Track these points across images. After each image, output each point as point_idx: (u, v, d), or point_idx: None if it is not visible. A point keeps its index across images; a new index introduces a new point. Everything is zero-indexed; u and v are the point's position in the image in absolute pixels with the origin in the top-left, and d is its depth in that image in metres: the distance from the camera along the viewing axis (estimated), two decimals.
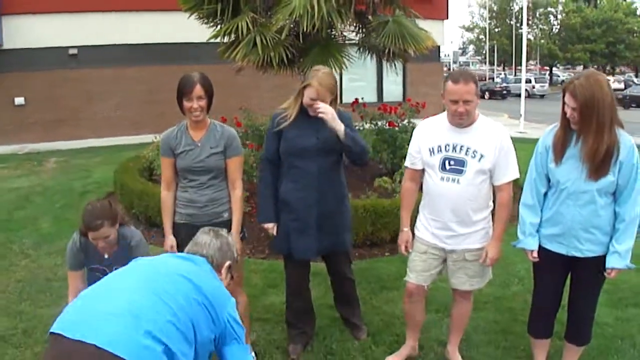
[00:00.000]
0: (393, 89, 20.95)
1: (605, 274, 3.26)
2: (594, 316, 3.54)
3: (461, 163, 3.43)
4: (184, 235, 3.67)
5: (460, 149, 3.43)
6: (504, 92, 42.19)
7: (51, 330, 2.17)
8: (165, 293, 2.26)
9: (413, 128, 8.76)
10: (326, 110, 3.59)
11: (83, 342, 2.06)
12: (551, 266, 3.44)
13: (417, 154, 3.60)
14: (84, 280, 3.61)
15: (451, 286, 3.75)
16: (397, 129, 8.69)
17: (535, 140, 3.53)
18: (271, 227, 3.89)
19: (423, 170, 3.63)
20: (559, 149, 3.25)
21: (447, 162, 3.46)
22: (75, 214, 7.03)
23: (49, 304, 4.94)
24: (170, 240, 3.76)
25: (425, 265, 3.66)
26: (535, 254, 3.44)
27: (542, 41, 60.76)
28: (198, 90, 3.55)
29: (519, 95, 21.90)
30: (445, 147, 3.46)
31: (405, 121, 8.87)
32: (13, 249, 6.53)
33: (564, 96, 3.17)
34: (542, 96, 41.63)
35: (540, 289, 3.59)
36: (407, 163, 3.70)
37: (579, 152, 3.18)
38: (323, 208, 3.77)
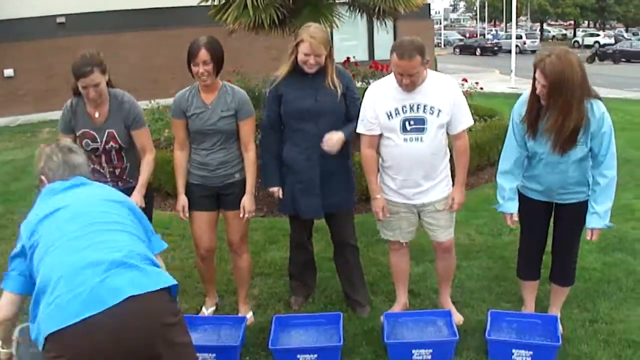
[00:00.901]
0: (384, 47, 20.75)
1: (586, 236, 3.44)
2: (576, 258, 3.71)
3: (421, 121, 3.52)
4: (197, 195, 3.83)
5: (418, 107, 3.51)
6: (495, 48, 42.04)
7: (61, 327, 2.06)
8: (117, 223, 2.43)
9: None
10: (332, 145, 3.69)
11: (116, 305, 2.07)
12: (535, 213, 3.62)
13: (374, 119, 3.61)
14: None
15: (432, 239, 3.88)
16: None
17: None
18: (276, 190, 3.94)
19: (380, 135, 3.67)
20: (531, 125, 3.36)
21: (407, 122, 3.54)
22: None
23: None
24: (183, 199, 3.85)
25: (400, 224, 3.80)
26: (515, 217, 3.60)
27: None
28: (203, 54, 3.57)
29: (510, 52, 21.85)
30: (403, 108, 3.52)
31: None
32: (14, 219, 6.59)
33: (534, 72, 3.24)
34: (533, 52, 41.44)
35: (526, 234, 3.76)
36: (362, 130, 3.69)
37: (545, 128, 3.31)
38: (325, 167, 3.80)
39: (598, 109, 3.25)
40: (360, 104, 3.72)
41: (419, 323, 3.77)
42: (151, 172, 3.80)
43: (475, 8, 66.82)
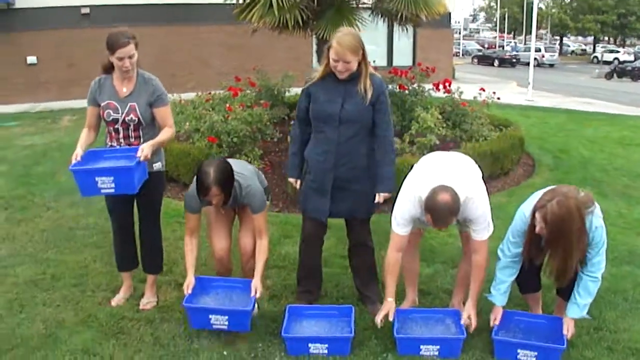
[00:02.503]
0: (403, 54, 20.97)
1: (563, 329, 3.56)
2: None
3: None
4: None
5: None
6: (514, 60, 41.99)
7: None
8: None
9: (423, 92, 8.93)
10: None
11: None
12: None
13: (410, 223, 3.71)
14: (97, 117, 3.96)
15: (458, 228, 4.02)
16: (407, 92, 8.85)
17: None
18: (293, 181, 4.16)
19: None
20: (529, 260, 3.61)
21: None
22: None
23: (74, 251, 5.22)
24: (190, 279, 3.92)
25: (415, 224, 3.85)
26: (499, 310, 3.75)
27: (554, 10, 60.20)
28: (215, 191, 3.59)
29: (528, 64, 21.84)
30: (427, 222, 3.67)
31: (415, 85, 9.02)
32: (35, 201, 6.79)
33: (533, 216, 3.38)
34: (551, 65, 41.45)
35: (526, 258, 3.75)
36: (396, 229, 3.74)
37: (546, 266, 3.55)
38: (340, 174, 3.87)
39: (591, 224, 3.38)
40: (388, 112, 3.87)
41: (428, 320, 3.88)
42: (168, 140, 4.01)
43: (495, 19, 66.68)
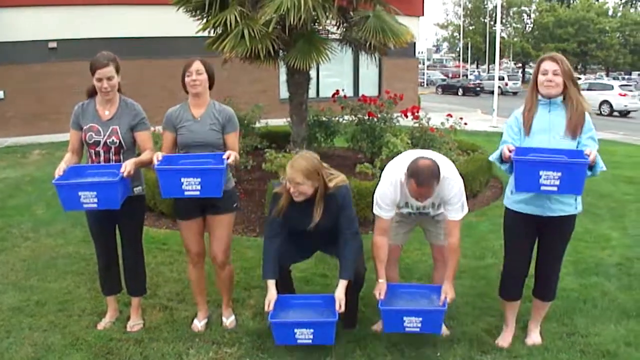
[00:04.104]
0: (369, 84, 21.37)
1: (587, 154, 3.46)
2: (559, 274, 3.99)
3: (426, 214, 4.08)
4: (183, 205, 4.10)
5: (424, 207, 4.00)
6: (477, 88, 42.82)
7: None
8: None
9: (391, 119, 9.19)
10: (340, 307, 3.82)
11: None
12: (522, 229, 3.84)
13: (390, 206, 3.94)
14: (80, 141, 4.04)
15: (431, 242, 4.27)
16: (375, 119, 9.10)
17: None
18: (271, 283, 3.93)
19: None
20: (528, 120, 3.72)
21: (413, 215, 4.11)
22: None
23: (56, 278, 5.24)
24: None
25: (398, 229, 4.18)
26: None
27: (516, 39, 61.82)
28: (197, 65, 3.99)
29: (491, 92, 22.43)
30: (412, 206, 4.01)
31: (384, 112, 9.27)
32: (13, 232, 6.78)
33: (539, 66, 3.70)
34: (514, 93, 42.33)
35: (510, 254, 3.99)
36: (378, 212, 3.97)
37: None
38: (325, 250, 4.22)
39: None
40: (352, 211, 3.98)
41: (414, 295, 4.04)
42: (149, 161, 3.99)
43: (458, 49, 68.15)
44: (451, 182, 3.83)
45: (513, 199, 3.85)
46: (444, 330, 4.12)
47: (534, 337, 4.03)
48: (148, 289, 4.54)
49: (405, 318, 3.76)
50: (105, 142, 3.97)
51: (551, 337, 4.03)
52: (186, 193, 3.71)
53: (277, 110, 14.25)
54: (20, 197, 8.68)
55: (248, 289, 4.91)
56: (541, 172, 3.38)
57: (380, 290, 3.93)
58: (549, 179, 3.37)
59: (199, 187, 3.69)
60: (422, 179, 3.60)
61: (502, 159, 3.67)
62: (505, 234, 4.00)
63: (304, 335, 3.70)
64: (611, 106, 26.96)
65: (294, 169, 3.74)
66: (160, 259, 5.68)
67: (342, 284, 3.84)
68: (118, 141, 3.98)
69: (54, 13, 16.63)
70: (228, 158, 3.81)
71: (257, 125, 10.12)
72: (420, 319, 3.75)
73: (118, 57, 4.03)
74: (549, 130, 3.65)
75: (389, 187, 3.89)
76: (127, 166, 3.75)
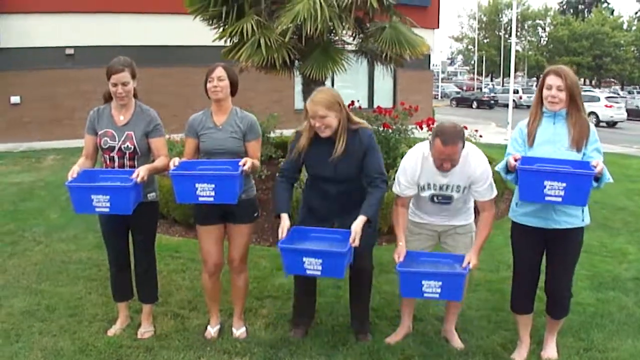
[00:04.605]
0: (384, 96, 21.35)
1: (592, 166, 3.43)
2: (571, 289, 3.91)
3: (449, 198, 3.92)
4: (205, 212, 4.07)
5: (447, 187, 3.88)
6: (492, 101, 42.71)
7: None
8: None
9: (406, 130, 9.14)
10: (358, 242, 3.67)
11: None
12: (529, 242, 3.81)
13: (410, 185, 3.91)
14: (94, 145, 4.04)
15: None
16: (390, 130, 9.05)
17: None
18: (284, 216, 3.89)
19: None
20: (531, 132, 3.71)
21: (435, 197, 3.94)
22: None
23: (68, 283, 5.24)
24: None
25: (419, 244, 4.08)
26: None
27: (530, 53, 61.72)
28: (219, 71, 3.97)
29: (506, 105, 22.32)
30: (434, 186, 3.89)
31: (399, 124, 9.22)
32: (25, 236, 6.80)
33: (544, 80, 3.66)
34: (528, 107, 42.01)
35: (519, 266, 3.95)
36: (397, 191, 3.96)
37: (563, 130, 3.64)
38: (344, 220, 3.86)
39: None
40: (379, 156, 3.94)
41: (436, 263, 3.87)
42: (163, 168, 4.02)
43: (472, 62, 68.07)
44: (478, 159, 3.83)
45: (518, 212, 3.82)
46: (458, 343, 4.07)
47: (550, 352, 3.97)
48: (160, 297, 4.51)
49: (424, 282, 3.60)
50: (120, 148, 3.97)
51: (567, 353, 3.96)
52: (200, 199, 3.70)
53: (292, 121, 14.17)
54: (34, 202, 8.71)
55: (261, 299, 4.88)
56: (546, 182, 3.35)
57: (400, 253, 3.83)
58: (554, 189, 3.35)
59: (213, 193, 3.67)
60: (447, 137, 3.58)
61: (507, 169, 3.64)
62: (513, 247, 3.97)
63: (312, 266, 3.56)
64: (597, 117, 27.81)
65: (315, 102, 3.76)
66: (173, 266, 5.65)
67: (361, 219, 3.71)
68: (132, 147, 3.97)
69: (72, 20, 16.79)
70: (244, 165, 3.78)
71: (272, 135, 10.11)
72: (440, 283, 3.58)
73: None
74: (554, 142, 3.63)
75: (411, 160, 3.88)
76: (141, 172, 3.73)
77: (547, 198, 3.39)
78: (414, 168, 3.85)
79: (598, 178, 3.42)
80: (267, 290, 5.04)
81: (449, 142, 3.58)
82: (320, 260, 3.54)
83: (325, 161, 3.86)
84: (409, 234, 4.09)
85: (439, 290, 3.60)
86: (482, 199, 3.87)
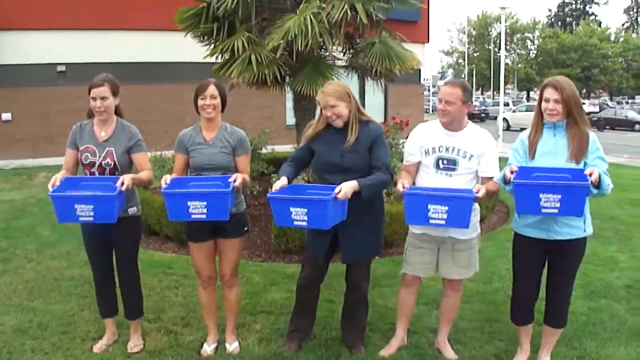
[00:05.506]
0: (375, 110, 21.35)
1: (587, 174, 3.39)
2: (570, 300, 3.93)
3: (453, 162, 3.89)
4: (196, 228, 4.07)
5: (452, 150, 3.90)
6: (483, 115, 42.94)
7: None
8: None
9: (397, 145, 9.19)
10: (342, 195, 3.62)
11: None
12: (531, 253, 3.81)
13: (414, 151, 4.03)
14: (75, 160, 4.05)
15: (441, 275, 4.13)
16: None
17: None
18: (283, 178, 3.87)
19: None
20: (532, 145, 3.73)
21: (440, 161, 3.92)
22: (73, 223, 7.39)
23: (60, 301, 5.21)
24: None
25: (420, 258, 4.06)
26: (515, 167, 3.62)
27: (520, 65, 62.14)
28: (212, 89, 4.00)
29: (496, 118, 22.48)
30: (439, 148, 3.93)
31: (390, 138, 9.27)
32: (17, 253, 6.78)
33: (542, 93, 3.69)
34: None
35: (519, 278, 3.94)
36: (406, 159, 4.09)
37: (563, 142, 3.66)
38: (344, 224, 3.79)
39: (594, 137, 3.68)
40: (386, 150, 3.99)
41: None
42: (147, 180, 4.07)
43: (463, 75, 68.46)
44: (485, 133, 3.98)
45: (520, 223, 3.83)
46: (451, 354, 4.08)
47: None
48: (153, 313, 4.50)
49: (430, 206, 3.53)
50: (100, 164, 3.99)
51: None
52: (193, 216, 3.70)
53: (283, 137, 14.26)
54: (26, 219, 8.68)
55: (254, 314, 4.87)
56: (541, 195, 3.35)
57: (404, 183, 3.77)
58: (549, 201, 3.35)
59: (205, 211, 3.68)
60: (449, 81, 3.92)
61: (505, 180, 3.64)
62: (514, 258, 3.96)
63: (299, 217, 3.53)
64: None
65: (325, 93, 3.89)
66: (166, 283, 5.64)
67: (353, 183, 3.69)
68: (113, 163, 3.99)
69: (64, 37, 16.79)
70: (235, 181, 3.80)
71: (264, 150, 10.13)
72: (446, 208, 3.51)
73: (124, 81, 4.06)
74: (555, 154, 3.66)
75: (418, 129, 4.09)
76: (125, 180, 3.74)
77: (543, 210, 3.39)
78: (420, 133, 4.05)
79: (598, 185, 3.43)
80: (260, 306, 5.03)
81: (448, 83, 3.88)
82: (305, 210, 3.53)
83: (334, 148, 3.92)
84: (409, 247, 4.12)
85: (445, 216, 3.54)
86: (486, 174, 3.89)
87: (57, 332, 4.54)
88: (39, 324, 4.69)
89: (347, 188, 3.62)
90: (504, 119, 29.35)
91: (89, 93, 3.93)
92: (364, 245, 4.00)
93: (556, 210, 3.37)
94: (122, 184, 3.71)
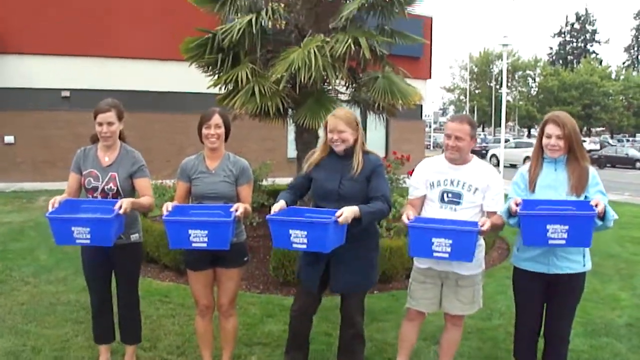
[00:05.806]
0: (376, 145, 21.44)
1: (593, 204, 3.42)
2: (569, 339, 3.89)
3: (458, 195, 3.89)
4: (195, 257, 4.07)
5: (457, 183, 3.91)
6: (483, 151, 43.01)
7: None
8: None
9: (398, 180, 9.19)
10: (343, 219, 3.59)
11: None
12: (532, 288, 3.80)
13: (419, 185, 4.05)
14: (78, 184, 4.05)
15: (444, 310, 4.09)
16: None
17: None
18: (282, 201, 3.92)
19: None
20: (533, 179, 3.76)
21: (445, 194, 3.92)
22: (72, 247, 7.30)
23: (55, 325, 5.18)
24: None
25: (423, 293, 4.04)
26: (518, 199, 3.62)
27: (521, 103, 62.56)
28: (217, 118, 4.02)
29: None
30: (444, 181, 3.94)
31: (391, 173, 9.28)
32: (13, 276, 6.75)
33: (543, 128, 3.73)
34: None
35: (520, 313, 3.92)
36: (410, 194, 4.12)
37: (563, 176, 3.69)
38: (336, 249, 3.72)
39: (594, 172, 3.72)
40: (385, 182, 4.00)
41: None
42: (148, 206, 4.07)
43: (464, 112, 68.84)
44: (490, 168, 4.02)
45: (520, 257, 3.82)
46: None
47: None
48: (148, 341, 4.47)
49: (434, 239, 3.52)
50: (103, 189, 3.99)
51: None
52: (194, 245, 3.69)
53: (284, 169, 14.29)
54: (24, 242, 8.66)
55: (250, 345, 4.82)
56: (548, 226, 3.34)
57: (408, 214, 3.77)
58: (557, 232, 3.34)
59: (206, 239, 3.67)
60: (455, 116, 3.98)
61: (509, 213, 3.64)
62: (515, 292, 3.95)
63: (298, 239, 3.52)
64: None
65: (336, 116, 3.92)
66: (162, 311, 5.59)
67: (354, 208, 3.67)
68: (115, 188, 4.00)
69: (69, 63, 16.94)
70: (237, 210, 3.80)
71: (265, 182, 10.15)
72: (450, 241, 3.49)
73: (128, 109, 4.09)
74: (555, 188, 3.69)
75: (423, 163, 4.13)
76: (124, 204, 3.72)
77: (550, 242, 3.38)
78: (425, 167, 4.07)
79: (602, 217, 3.43)
80: (257, 337, 4.99)
81: (456, 119, 3.91)
82: (305, 232, 3.51)
83: (333, 175, 3.94)
84: (414, 282, 4.11)
85: (448, 250, 3.51)
86: (491, 209, 3.87)
87: (51, 356, 4.51)
88: (33, 348, 4.65)
89: (348, 212, 3.61)
90: (493, 155, 29.90)
91: (95, 118, 3.95)
92: (354, 275, 3.95)
93: (564, 241, 3.36)
94: (120, 207, 3.69)
